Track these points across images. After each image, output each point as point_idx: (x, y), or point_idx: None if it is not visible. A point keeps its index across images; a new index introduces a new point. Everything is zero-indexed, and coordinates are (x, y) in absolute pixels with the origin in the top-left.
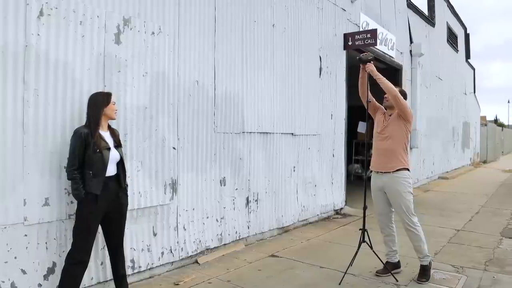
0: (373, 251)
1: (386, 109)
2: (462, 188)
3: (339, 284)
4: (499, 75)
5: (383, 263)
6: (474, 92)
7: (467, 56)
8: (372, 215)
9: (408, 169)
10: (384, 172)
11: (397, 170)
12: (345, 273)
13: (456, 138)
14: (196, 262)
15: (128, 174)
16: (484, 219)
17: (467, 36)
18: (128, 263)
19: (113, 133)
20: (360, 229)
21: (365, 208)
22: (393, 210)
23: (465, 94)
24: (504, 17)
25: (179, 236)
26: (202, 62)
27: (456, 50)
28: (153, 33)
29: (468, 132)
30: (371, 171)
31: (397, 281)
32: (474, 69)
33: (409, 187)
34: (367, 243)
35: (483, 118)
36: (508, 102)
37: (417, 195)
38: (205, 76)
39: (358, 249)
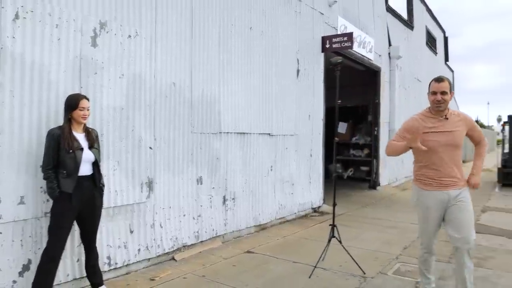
0: (342, 245)
1: (435, 112)
2: None
3: (309, 277)
4: (480, 77)
5: (352, 258)
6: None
7: (446, 58)
8: (350, 213)
9: None
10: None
11: (464, 184)
12: (315, 267)
13: None
14: (173, 258)
15: (104, 173)
16: None
17: (445, 39)
18: (104, 260)
19: (89, 134)
20: (330, 225)
21: (334, 204)
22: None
23: None
24: (486, 20)
25: (155, 233)
26: (179, 64)
27: (435, 52)
28: (129, 36)
29: None
30: (351, 170)
31: (364, 273)
32: (453, 72)
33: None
34: (336, 238)
35: None
36: (488, 103)
37: (395, 193)
38: (182, 78)
39: (328, 244)
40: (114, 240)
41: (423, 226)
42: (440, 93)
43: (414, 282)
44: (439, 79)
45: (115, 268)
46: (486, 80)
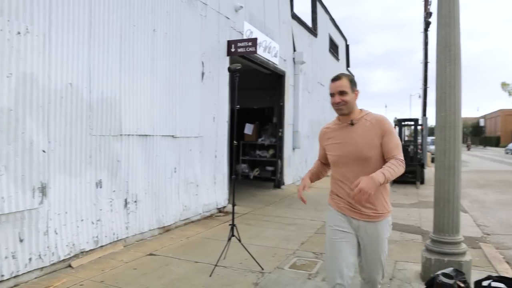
0: (242, 243)
1: (341, 118)
2: None
3: (210, 276)
4: (380, 82)
5: (250, 255)
6: None
7: (348, 64)
8: (253, 212)
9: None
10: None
11: (382, 214)
12: (215, 265)
13: None
14: (70, 265)
15: None
16: None
17: (347, 47)
18: None
19: None
20: (230, 225)
21: (233, 205)
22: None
23: None
24: (386, 30)
25: (49, 240)
26: (76, 65)
27: (337, 58)
28: (19, 33)
29: None
30: (258, 170)
31: (262, 269)
32: (353, 76)
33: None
34: (235, 237)
35: None
36: (386, 106)
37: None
38: (79, 79)
39: (228, 243)
40: (0, 251)
41: (327, 251)
42: (338, 94)
43: (307, 274)
44: (335, 78)
45: (1, 281)
46: (385, 85)
